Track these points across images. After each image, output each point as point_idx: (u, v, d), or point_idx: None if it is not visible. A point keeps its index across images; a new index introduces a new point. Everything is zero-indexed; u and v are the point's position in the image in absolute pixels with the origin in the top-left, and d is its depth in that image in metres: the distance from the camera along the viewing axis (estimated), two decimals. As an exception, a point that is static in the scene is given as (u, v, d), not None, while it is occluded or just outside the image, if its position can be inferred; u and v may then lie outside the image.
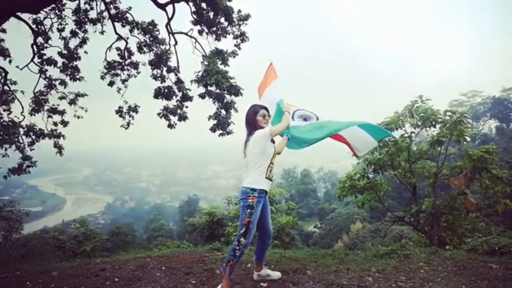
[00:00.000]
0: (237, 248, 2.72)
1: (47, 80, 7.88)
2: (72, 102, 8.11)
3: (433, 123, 5.78)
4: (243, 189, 2.83)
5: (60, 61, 7.78)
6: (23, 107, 7.66)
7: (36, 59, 7.62)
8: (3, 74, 7.29)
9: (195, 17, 7.56)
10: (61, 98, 8.07)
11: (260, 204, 2.81)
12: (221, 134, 7.76)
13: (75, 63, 7.87)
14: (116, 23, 7.59)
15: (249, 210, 2.75)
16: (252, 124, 2.95)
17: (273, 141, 3.01)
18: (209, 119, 7.69)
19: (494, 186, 5.62)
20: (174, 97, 7.92)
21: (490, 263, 3.37)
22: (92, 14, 7.55)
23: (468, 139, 5.64)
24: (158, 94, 7.81)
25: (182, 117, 7.99)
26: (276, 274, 3.10)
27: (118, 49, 8.01)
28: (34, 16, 7.08)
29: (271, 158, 2.90)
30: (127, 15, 7.60)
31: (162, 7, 7.27)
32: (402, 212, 9.07)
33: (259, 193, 2.79)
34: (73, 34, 7.56)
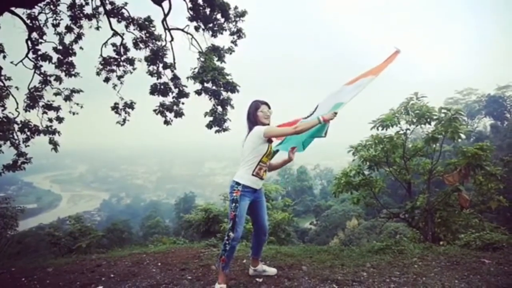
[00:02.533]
0: (227, 242, 2.75)
1: (42, 76, 7.80)
2: (68, 98, 8.05)
3: (428, 120, 5.79)
4: (231, 183, 2.87)
5: (55, 56, 7.69)
6: (17, 103, 7.57)
7: (30, 55, 7.52)
8: (-3, 69, 7.21)
9: (191, 13, 7.53)
10: (56, 94, 8.00)
11: (246, 199, 2.80)
12: (217, 131, 7.76)
13: (70, 58, 7.79)
14: (111, 19, 7.52)
15: (234, 204, 2.77)
16: (252, 120, 2.92)
17: (270, 141, 2.90)
18: (205, 115, 7.68)
19: (488, 183, 5.69)
20: (170, 93, 7.89)
21: (483, 258, 3.41)
22: (88, 10, 7.47)
23: (463, 136, 5.66)
24: (154, 90, 7.78)
25: (178, 114, 7.97)
26: (272, 270, 3.12)
27: (113, 45, 7.94)
28: (28, 11, 6.99)
29: (262, 156, 2.83)
30: (123, 10, 7.52)
31: (158, 2, 7.23)
32: (397, 208, 9.13)
33: (243, 188, 2.78)
34: (68, 29, 7.47)
